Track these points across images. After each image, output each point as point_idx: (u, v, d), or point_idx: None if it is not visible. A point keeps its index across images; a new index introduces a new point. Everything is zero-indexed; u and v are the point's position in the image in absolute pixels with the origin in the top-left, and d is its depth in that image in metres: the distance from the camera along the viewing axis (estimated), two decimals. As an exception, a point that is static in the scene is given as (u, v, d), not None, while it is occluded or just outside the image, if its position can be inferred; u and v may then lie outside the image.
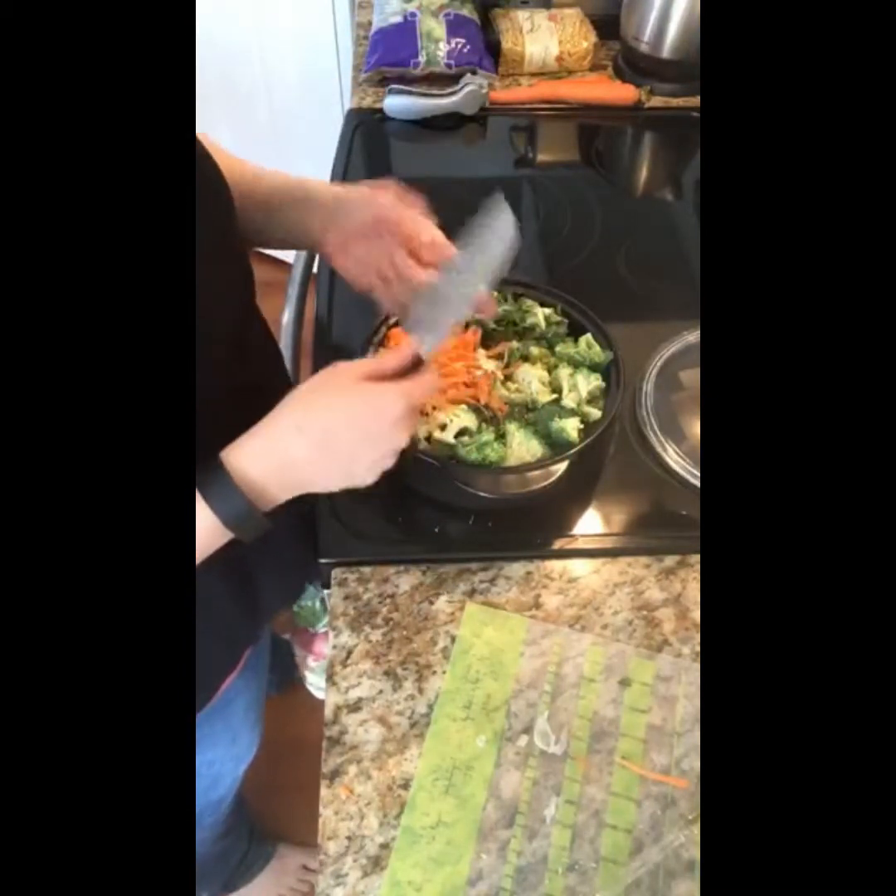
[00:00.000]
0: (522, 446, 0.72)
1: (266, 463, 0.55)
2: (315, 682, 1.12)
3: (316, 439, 0.55)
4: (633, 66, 1.27)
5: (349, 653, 0.68)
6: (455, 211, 0.65)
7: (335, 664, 0.68)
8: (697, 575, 0.73)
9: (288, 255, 1.05)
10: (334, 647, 0.69)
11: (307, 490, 0.58)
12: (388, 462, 0.58)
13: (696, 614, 0.71)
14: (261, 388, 0.62)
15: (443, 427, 0.73)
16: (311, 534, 0.75)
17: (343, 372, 0.58)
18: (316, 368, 0.87)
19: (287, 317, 0.97)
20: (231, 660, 0.80)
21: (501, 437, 0.73)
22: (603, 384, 0.77)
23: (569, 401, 0.76)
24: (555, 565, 0.74)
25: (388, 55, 1.23)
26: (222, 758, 0.95)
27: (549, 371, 0.78)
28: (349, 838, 0.59)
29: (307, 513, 0.75)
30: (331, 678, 0.67)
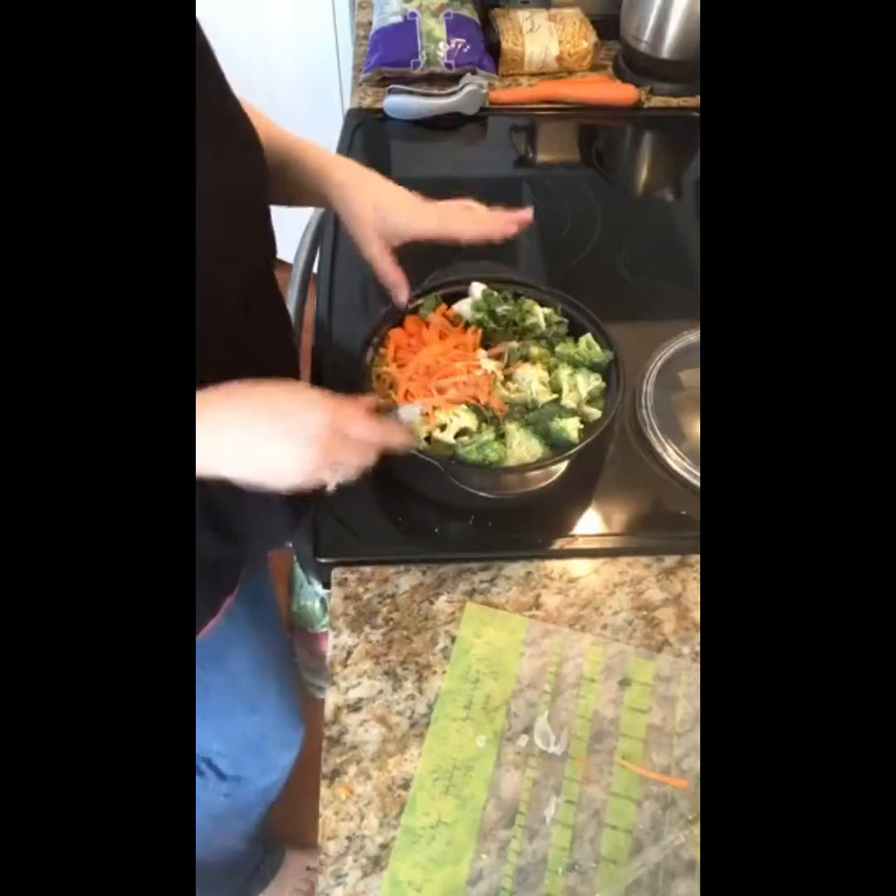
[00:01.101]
0: (522, 446, 0.72)
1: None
2: (315, 682, 1.12)
3: (242, 412, 0.56)
4: (633, 66, 1.27)
5: (349, 653, 0.68)
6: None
7: (335, 664, 0.68)
8: (697, 575, 0.73)
9: (288, 255, 1.05)
10: (334, 647, 0.69)
11: (218, 463, 0.56)
12: (309, 454, 0.56)
13: (696, 614, 0.71)
14: (262, 359, 0.62)
15: (443, 427, 0.73)
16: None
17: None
18: (316, 369, 0.87)
19: (287, 317, 0.97)
20: (208, 606, 0.78)
21: (501, 437, 0.73)
22: (603, 384, 0.77)
23: (569, 401, 0.76)
24: (555, 565, 0.74)
25: (388, 55, 1.23)
26: (269, 743, 0.93)
27: (549, 371, 0.78)
28: (349, 838, 0.59)
29: None
30: (331, 678, 0.67)
